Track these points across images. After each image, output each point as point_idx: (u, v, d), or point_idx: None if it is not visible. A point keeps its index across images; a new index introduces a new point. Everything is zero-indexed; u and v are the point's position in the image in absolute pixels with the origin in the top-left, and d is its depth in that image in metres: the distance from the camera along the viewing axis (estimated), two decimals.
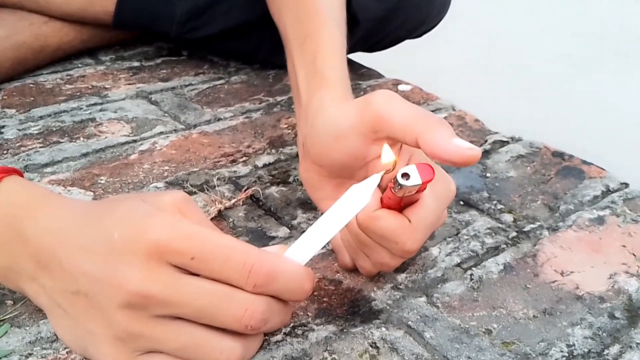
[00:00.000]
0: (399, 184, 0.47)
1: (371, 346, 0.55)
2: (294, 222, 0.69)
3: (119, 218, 0.43)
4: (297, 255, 0.48)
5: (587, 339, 0.56)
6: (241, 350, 0.45)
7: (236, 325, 0.43)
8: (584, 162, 0.82)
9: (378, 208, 0.52)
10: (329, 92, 0.60)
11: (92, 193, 0.72)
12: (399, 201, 0.51)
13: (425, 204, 0.52)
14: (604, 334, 0.56)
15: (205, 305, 0.42)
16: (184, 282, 0.42)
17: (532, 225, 0.70)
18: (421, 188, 0.49)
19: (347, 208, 0.46)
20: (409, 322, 0.57)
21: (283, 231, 0.68)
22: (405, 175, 0.47)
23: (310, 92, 0.62)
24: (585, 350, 0.55)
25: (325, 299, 0.59)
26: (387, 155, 0.49)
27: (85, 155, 0.79)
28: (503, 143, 0.87)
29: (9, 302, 0.57)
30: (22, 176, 0.53)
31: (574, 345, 0.55)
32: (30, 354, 0.52)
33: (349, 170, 0.59)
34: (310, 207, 0.72)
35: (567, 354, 0.54)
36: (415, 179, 0.47)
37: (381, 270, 0.59)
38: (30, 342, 0.53)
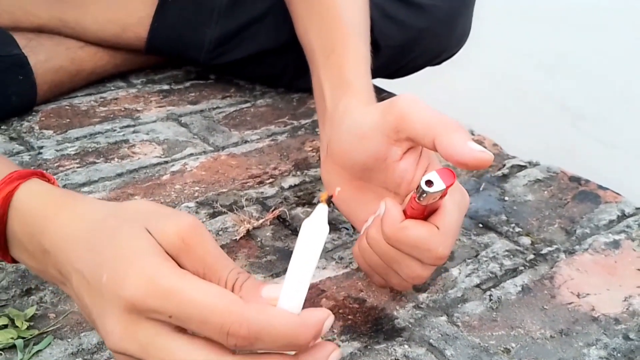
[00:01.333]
0: (424, 192, 0.49)
1: None
2: None
3: (111, 255, 0.42)
4: (287, 306, 0.44)
5: (603, 359, 0.58)
6: None
7: None
8: (600, 187, 0.85)
9: (403, 220, 0.55)
10: (355, 98, 0.63)
11: None
12: (422, 210, 0.53)
13: (448, 210, 0.54)
14: (619, 355, 0.58)
15: None
16: (157, 347, 0.40)
17: (550, 248, 0.73)
18: (444, 193, 0.51)
19: (312, 244, 0.43)
20: (431, 340, 0.59)
21: None
22: (429, 183, 0.49)
23: (336, 100, 0.65)
24: None
25: (350, 317, 0.62)
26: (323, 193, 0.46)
27: (119, 175, 0.82)
28: (521, 167, 0.89)
29: (52, 315, 0.61)
30: (42, 176, 0.51)
31: None
32: None
33: (369, 172, 0.60)
34: (335, 228, 0.75)
35: None
36: (439, 185, 0.49)
37: (414, 283, 0.61)
38: (72, 354, 0.57)
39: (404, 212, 0.55)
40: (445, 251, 0.54)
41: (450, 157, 0.52)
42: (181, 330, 0.40)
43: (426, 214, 0.54)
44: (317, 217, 0.43)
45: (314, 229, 0.43)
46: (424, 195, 0.50)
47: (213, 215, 0.76)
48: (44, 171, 0.53)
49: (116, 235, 0.43)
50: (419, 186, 0.50)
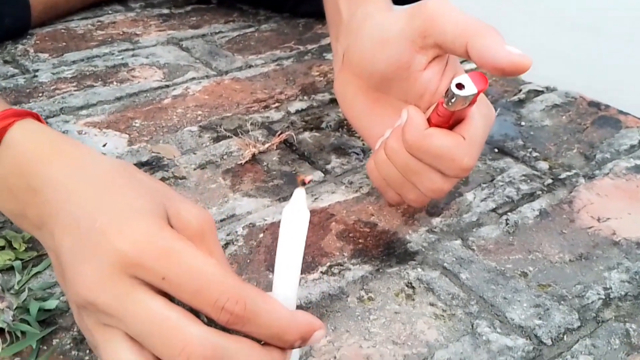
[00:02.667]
0: (454, 95, 0.45)
1: (407, 286, 0.55)
2: (328, 167, 0.69)
3: (111, 206, 0.39)
4: (281, 298, 0.42)
5: (624, 282, 0.56)
6: None
7: None
8: (621, 112, 0.81)
9: (427, 128, 0.51)
10: (373, 4, 0.58)
11: (127, 135, 0.72)
12: (449, 118, 0.49)
13: (475, 120, 0.50)
14: None
15: (143, 331, 0.37)
16: (134, 299, 0.36)
17: (568, 173, 0.70)
18: (474, 99, 0.46)
19: (294, 229, 0.41)
20: (445, 264, 0.57)
21: (317, 175, 0.68)
22: (460, 86, 0.45)
23: (353, 8, 0.60)
24: (622, 293, 0.55)
25: (360, 241, 0.60)
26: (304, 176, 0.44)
27: (119, 99, 0.79)
28: (538, 92, 0.86)
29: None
30: (37, 118, 0.48)
31: (611, 288, 0.55)
32: None
33: (389, 83, 0.56)
34: (344, 153, 0.72)
35: (603, 297, 0.54)
36: (470, 88, 0.45)
37: (433, 197, 0.56)
38: None
39: (428, 120, 0.51)
40: (470, 162, 0.50)
41: (485, 62, 0.47)
42: (164, 295, 0.37)
43: (451, 122, 0.50)
44: (296, 203, 0.41)
45: (295, 215, 0.40)
46: (454, 99, 0.46)
47: (217, 140, 0.73)
48: (39, 114, 0.48)
49: (120, 191, 0.40)
50: (448, 90, 0.45)
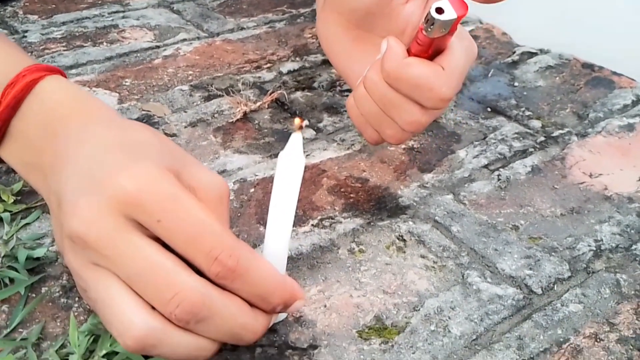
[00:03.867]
0: (433, 20, 0.44)
1: (398, 238, 0.55)
2: (320, 125, 0.69)
3: (126, 151, 0.39)
4: (274, 250, 0.43)
5: (615, 235, 0.56)
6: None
7: (160, 308, 0.36)
8: (614, 73, 0.81)
9: (406, 57, 0.49)
10: None
11: (117, 94, 0.72)
12: (428, 47, 0.47)
13: (455, 50, 0.49)
14: (632, 231, 0.56)
15: (134, 274, 0.36)
16: (127, 240, 0.36)
17: (561, 131, 0.69)
18: (453, 27, 0.45)
19: (290, 174, 0.41)
20: (436, 217, 0.57)
21: (309, 133, 0.67)
22: (439, 10, 0.44)
23: None
24: (613, 245, 0.55)
25: (352, 195, 0.59)
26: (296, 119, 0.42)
27: (109, 59, 0.78)
28: (531, 54, 0.85)
29: None
30: (65, 76, 0.49)
31: (602, 240, 0.55)
32: None
33: (371, 19, 0.55)
34: (336, 112, 0.71)
35: (594, 248, 0.54)
36: (450, 13, 0.43)
37: (413, 132, 0.54)
38: None
39: (408, 51, 0.50)
40: (448, 92, 0.49)
41: None
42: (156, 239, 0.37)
43: (431, 52, 0.49)
44: (292, 148, 0.41)
45: (291, 160, 0.40)
46: (433, 25, 0.44)
47: (208, 98, 0.72)
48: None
49: (137, 146, 0.40)
50: (427, 14, 0.44)
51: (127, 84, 0.74)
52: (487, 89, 0.76)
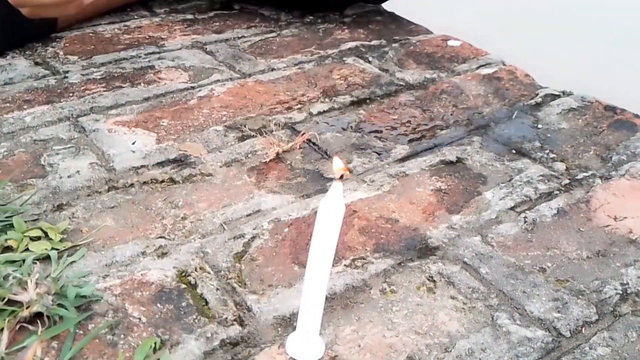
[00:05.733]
0: None
1: (428, 279, 0.57)
2: (350, 166, 0.71)
3: None
4: (313, 293, 0.46)
5: None
6: None
7: None
8: (636, 115, 0.82)
9: None
10: None
11: (155, 134, 0.75)
12: None
13: None
14: None
15: None
16: None
17: (585, 174, 0.71)
18: None
19: (329, 223, 0.43)
20: (465, 259, 0.59)
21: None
22: None
23: None
24: (639, 289, 0.56)
25: (382, 236, 0.61)
26: (337, 165, 0.45)
27: (147, 99, 0.81)
28: (554, 97, 0.87)
29: (85, 229, 0.61)
30: None
31: (628, 284, 0.56)
32: (107, 275, 0.55)
33: None
34: (366, 153, 0.74)
35: (621, 292, 0.56)
36: None
37: None
38: (106, 265, 0.57)
39: None
40: None
41: None
42: None
43: None
44: (333, 196, 0.43)
45: (332, 207, 0.43)
46: None
47: (242, 139, 0.75)
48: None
49: None
50: None
51: (164, 124, 0.77)
52: (511, 130, 0.78)
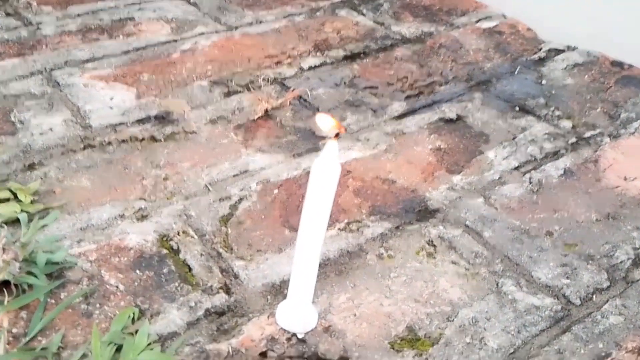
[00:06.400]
0: None
1: (428, 243, 0.53)
2: (344, 124, 0.67)
3: None
4: (305, 257, 0.42)
5: None
6: None
7: None
8: None
9: None
10: None
11: (135, 89, 0.70)
12: None
13: None
14: None
15: None
16: None
17: (592, 132, 0.67)
18: None
19: (323, 184, 0.39)
20: (467, 222, 0.55)
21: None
22: None
23: None
24: None
25: (379, 197, 0.57)
26: (326, 124, 0.41)
27: (126, 52, 0.76)
28: (558, 52, 0.82)
29: (57, 190, 0.56)
30: None
31: None
32: (82, 240, 0.51)
33: None
34: (361, 110, 0.69)
35: (633, 257, 0.52)
36: None
37: None
38: (81, 229, 0.52)
39: None
40: None
41: None
42: None
43: None
44: (328, 155, 0.39)
45: (326, 167, 0.39)
46: None
47: (228, 95, 0.70)
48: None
49: None
50: None
51: (145, 79, 0.72)
52: (514, 86, 0.74)
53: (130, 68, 0.73)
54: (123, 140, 0.63)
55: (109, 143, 0.62)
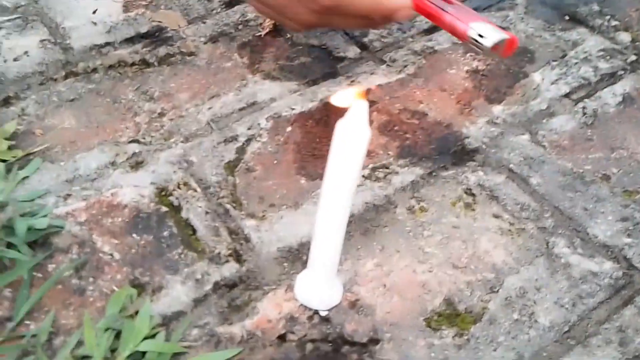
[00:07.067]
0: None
1: (466, 193, 0.46)
2: (365, 40, 0.58)
3: None
4: (324, 257, 0.37)
5: None
6: None
7: None
8: None
9: None
10: None
11: (121, 0, 0.60)
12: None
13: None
14: None
15: None
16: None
17: None
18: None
19: (349, 152, 0.32)
20: (511, 165, 0.48)
21: (353, 51, 0.56)
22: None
23: None
24: None
25: (408, 135, 0.50)
26: (344, 100, 0.33)
27: None
28: None
29: (38, 131, 0.49)
30: None
31: None
32: (68, 195, 0.45)
33: None
34: None
35: None
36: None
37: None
38: (67, 181, 0.45)
39: None
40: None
41: None
42: None
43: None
44: (355, 118, 0.31)
45: (353, 133, 0.31)
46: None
47: (230, 5, 0.61)
48: None
49: None
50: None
51: None
52: None
53: None
54: (110, 66, 0.54)
55: (94, 70, 0.54)
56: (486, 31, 0.43)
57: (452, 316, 0.39)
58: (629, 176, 0.47)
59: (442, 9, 0.44)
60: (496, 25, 0.44)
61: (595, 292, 0.40)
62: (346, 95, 0.32)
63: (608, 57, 0.56)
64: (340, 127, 0.32)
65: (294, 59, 0.56)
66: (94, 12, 0.59)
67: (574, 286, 0.41)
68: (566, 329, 0.39)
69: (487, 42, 0.43)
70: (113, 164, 0.47)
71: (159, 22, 0.58)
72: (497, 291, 0.40)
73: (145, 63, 0.55)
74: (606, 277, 0.41)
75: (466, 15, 0.44)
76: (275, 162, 0.47)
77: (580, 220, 0.44)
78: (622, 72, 0.55)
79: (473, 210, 0.45)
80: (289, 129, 0.50)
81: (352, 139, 0.32)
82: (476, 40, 0.43)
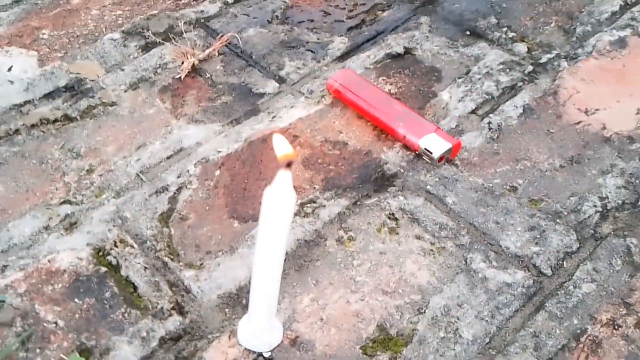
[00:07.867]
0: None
1: (389, 218, 0.49)
2: (282, 73, 0.60)
3: None
4: (263, 297, 0.39)
5: (620, 188, 0.51)
6: None
7: None
8: None
9: None
10: None
11: (35, 52, 0.60)
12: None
13: None
14: (637, 181, 0.52)
15: None
16: None
17: (549, 55, 0.62)
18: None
19: (277, 215, 0.34)
20: (428, 187, 0.51)
21: (272, 86, 0.59)
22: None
23: None
24: (619, 202, 0.51)
25: (331, 167, 0.53)
26: (281, 147, 0.35)
27: (17, 2, 0.65)
28: None
29: None
30: None
31: (607, 197, 0.51)
32: (5, 267, 0.45)
33: None
34: (299, 53, 0.62)
35: (600, 208, 0.50)
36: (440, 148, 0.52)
37: None
38: (2, 252, 0.46)
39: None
40: None
41: None
42: None
43: None
44: (280, 186, 0.34)
45: (279, 197, 0.34)
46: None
47: (146, 48, 0.62)
48: None
49: None
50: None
51: (45, 36, 0.62)
52: (463, 5, 0.68)
53: (26, 24, 0.63)
54: (33, 125, 0.55)
55: (17, 131, 0.54)
56: (433, 145, 0.52)
57: (385, 341, 0.43)
58: (533, 185, 0.52)
59: (395, 127, 0.53)
60: (443, 132, 0.53)
61: (511, 302, 0.45)
62: (282, 144, 0.35)
63: (507, 70, 0.61)
64: (267, 194, 0.34)
65: (215, 99, 0.57)
66: (9, 70, 0.59)
67: (492, 298, 0.45)
68: (487, 340, 0.43)
69: (435, 154, 0.52)
70: (47, 228, 0.48)
71: (77, 73, 0.59)
72: (424, 312, 0.44)
73: (67, 118, 0.55)
74: (519, 286, 0.45)
75: (416, 129, 0.53)
76: (207, 207, 0.49)
77: (492, 234, 0.48)
78: (521, 83, 0.60)
79: (397, 234, 0.48)
80: (217, 172, 0.52)
81: (279, 204, 0.34)
82: (426, 151, 0.52)
